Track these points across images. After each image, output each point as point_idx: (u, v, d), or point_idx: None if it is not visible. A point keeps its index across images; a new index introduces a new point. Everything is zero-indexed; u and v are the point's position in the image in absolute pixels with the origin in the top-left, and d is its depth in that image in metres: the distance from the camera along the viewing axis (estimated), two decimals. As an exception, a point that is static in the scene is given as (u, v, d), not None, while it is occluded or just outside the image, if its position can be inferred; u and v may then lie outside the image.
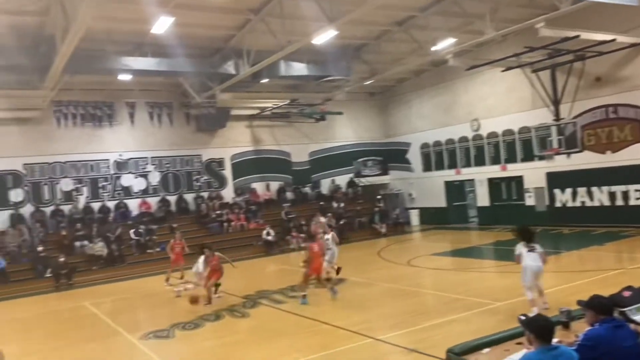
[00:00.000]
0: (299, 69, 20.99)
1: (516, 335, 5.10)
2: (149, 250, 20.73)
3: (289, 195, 26.24)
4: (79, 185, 22.09)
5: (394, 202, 27.94)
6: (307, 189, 27.12)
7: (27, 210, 20.91)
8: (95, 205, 22.12)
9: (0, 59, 16.53)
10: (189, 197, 24.24)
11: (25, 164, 21.08)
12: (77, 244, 20.05)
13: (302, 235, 22.70)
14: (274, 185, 26.44)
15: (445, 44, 18.98)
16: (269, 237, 21.97)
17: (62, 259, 18.03)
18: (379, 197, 27.06)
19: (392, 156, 29.21)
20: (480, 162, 24.73)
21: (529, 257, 9.03)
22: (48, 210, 21.34)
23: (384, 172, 29.39)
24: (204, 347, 9.43)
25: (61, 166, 21.75)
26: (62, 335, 11.30)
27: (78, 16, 12.22)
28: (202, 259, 13.26)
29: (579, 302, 4.69)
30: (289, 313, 11.22)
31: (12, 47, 16.56)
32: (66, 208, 21.59)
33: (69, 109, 21.58)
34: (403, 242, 22.92)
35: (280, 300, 12.44)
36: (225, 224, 22.88)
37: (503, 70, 20.48)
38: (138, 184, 23.30)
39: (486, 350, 5.18)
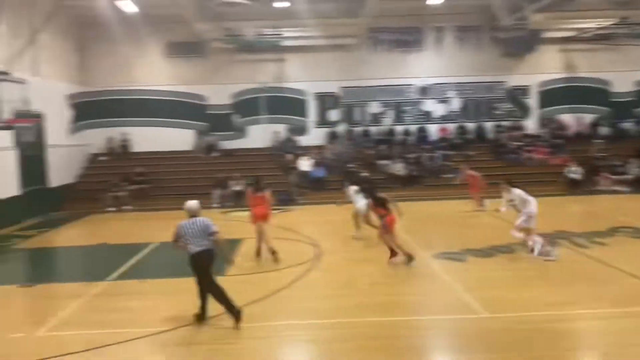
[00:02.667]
0: (635, -20, 17.63)
1: None
2: (443, 175, 21.21)
3: (604, 130, 23.13)
4: (385, 109, 23.72)
5: None
6: (629, 125, 23.41)
7: (341, 129, 23.56)
8: (398, 128, 23.51)
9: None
10: (488, 125, 23.62)
11: (341, 87, 23.52)
12: (380, 162, 21.78)
13: (613, 176, 20.09)
14: (586, 118, 23.63)
15: None
16: (574, 175, 20.03)
17: (364, 174, 19.95)
18: None
19: None
20: None
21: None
22: (358, 130, 23.60)
23: None
24: (493, 276, 9.33)
25: (371, 90, 23.57)
26: (361, 241, 12.55)
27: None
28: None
29: None
30: (591, 259, 10.19)
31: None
32: (373, 129, 23.53)
33: (382, 35, 22.86)
34: None
35: (582, 245, 11.37)
36: (525, 156, 21.66)
37: None
38: (439, 110, 23.75)
39: None
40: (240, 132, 23.51)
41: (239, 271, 9.75)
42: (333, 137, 23.18)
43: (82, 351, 6.35)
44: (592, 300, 7.82)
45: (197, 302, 7.20)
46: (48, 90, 19.04)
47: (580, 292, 8.21)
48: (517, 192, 10.72)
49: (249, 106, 23.31)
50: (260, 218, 10.73)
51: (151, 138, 22.75)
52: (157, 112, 23.15)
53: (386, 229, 10.20)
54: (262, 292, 8.48)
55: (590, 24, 21.66)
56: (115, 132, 22.95)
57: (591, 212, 15.71)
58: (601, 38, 22.42)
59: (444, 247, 11.36)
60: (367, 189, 11.68)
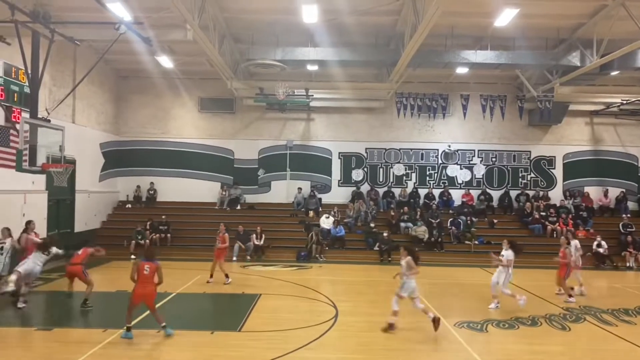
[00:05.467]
0: (662, 59, 17.87)
1: None
2: (466, 242, 20.99)
3: (632, 204, 22.81)
4: (409, 171, 23.90)
5: None
6: (657, 200, 23.12)
7: (364, 188, 23.71)
8: (422, 192, 23.56)
9: (356, 54, 18.90)
10: (513, 193, 23.53)
11: (366, 148, 23.88)
12: (402, 224, 21.70)
13: (641, 253, 19.64)
14: (614, 192, 23.38)
15: None
16: (600, 249, 19.62)
17: (385, 235, 19.92)
18: None
19: None
20: None
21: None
22: (381, 190, 23.71)
23: None
24: (514, 349, 9.07)
25: (395, 152, 23.86)
26: (381, 304, 12.43)
27: (427, 13, 13.00)
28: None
29: None
30: (619, 338, 9.86)
31: (370, 44, 18.76)
32: (396, 191, 23.61)
33: (408, 100, 23.35)
34: None
35: (608, 321, 11.03)
36: (550, 227, 21.38)
37: None
38: (463, 175, 23.85)
39: None
40: (264, 186, 23.83)
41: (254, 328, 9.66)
42: (356, 196, 23.31)
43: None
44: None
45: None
46: (82, 137, 19.75)
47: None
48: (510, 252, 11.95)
49: (274, 162, 23.74)
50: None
51: (178, 188, 23.28)
52: (185, 163, 23.72)
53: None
54: (277, 352, 8.36)
55: (617, 98, 21.82)
56: (143, 181, 23.48)
57: (619, 289, 15.28)
58: (628, 113, 22.51)
59: (464, 316, 11.12)
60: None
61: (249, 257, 19.48)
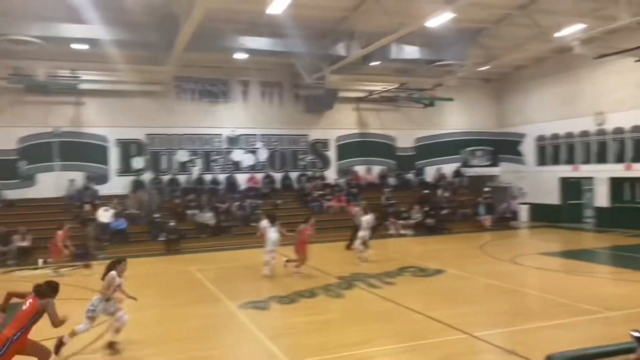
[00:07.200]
0: (411, 52, 20.58)
1: (625, 351, 4.61)
2: (252, 224, 21.54)
3: (391, 180, 26.01)
4: (193, 157, 23.51)
5: (502, 196, 26.62)
6: (411, 176, 26.69)
7: (146, 177, 22.63)
8: (207, 177, 23.41)
9: (133, 35, 17.78)
10: (293, 175, 24.87)
11: (147, 134, 22.76)
12: (189, 212, 21.34)
13: (400, 221, 22.51)
14: (377, 170, 26.32)
15: (571, 30, 17.62)
16: (368, 221, 21.93)
17: (172, 224, 19.42)
18: (486, 189, 25.96)
19: (503, 147, 27.86)
20: (602, 159, 22.84)
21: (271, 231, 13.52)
22: (165, 178, 22.91)
23: (494, 164, 28.09)
24: (296, 322, 9.65)
25: (178, 138, 23.22)
26: (170, 295, 12.16)
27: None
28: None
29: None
30: (383, 299, 11.17)
31: (143, 24, 17.78)
32: (181, 178, 23.06)
33: (188, 84, 22.88)
34: (508, 238, 21.86)
35: (375, 285, 12.43)
36: (326, 204, 23.19)
37: (637, 60, 18.63)
38: (247, 160, 24.32)
39: (591, 363, 4.78)
40: (28, 180, 21.06)
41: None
42: (137, 186, 22.11)
43: None
44: (385, 337, 8.53)
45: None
46: None
47: (374, 331, 8.88)
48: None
49: (39, 152, 21.10)
50: None
51: None
52: None
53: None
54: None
55: (377, 86, 24.49)
56: None
57: (382, 254, 17.26)
58: (387, 100, 25.47)
59: (250, 296, 11.43)
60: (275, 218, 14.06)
61: (11, 262, 17.10)
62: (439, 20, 15.02)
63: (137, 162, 22.68)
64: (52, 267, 15.66)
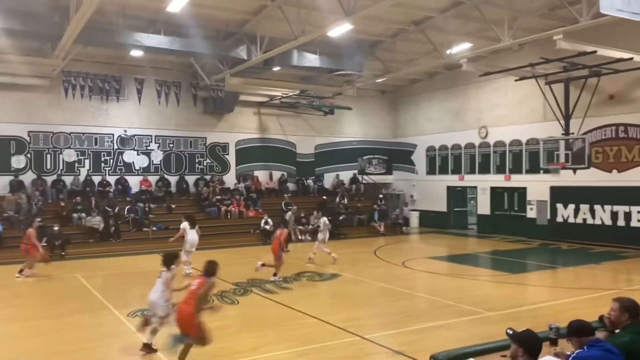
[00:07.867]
0: (312, 60, 20.88)
1: (502, 348, 4.99)
2: (145, 229, 20.68)
3: (291, 186, 26.18)
4: (81, 157, 22.09)
5: (395, 203, 27.86)
6: (310, 182, 27.02)
7: (27, 177, 20.91)
8: (96, 179, 22.08)
9: (15, 23, 16.37)
10: (190, 179, 24.18)
11: (30, 131, 21.07)
12: (75, 215, 20.02)
13: (300, 227, 22.70)
14: (277, 175, 26.36)
15: (460, 48, 18.87)
16: (267, 227, 21.87)
17: (56, 229, 18.11)
18: (380, 196, 26.97)
19: (397, 156, 29.13)
20: (485, 169, 24.60)
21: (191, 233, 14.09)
22: (49, 179, 21.31)
23: (388, 172, 29.32)
24: (190, 330, 9.34)
25: (65, 136, 21.73)
26: (51, 305, 11.28)
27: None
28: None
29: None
30: (278, 304, 11.16)
31: (27, 12, 16.46)
32: (67, 179, 21.57)
33: (78, 80, 21.50)
34: (400, 242, 22.85)
35: (271, 290, 12.40)
36: (224, 209, 22.80)
37: (517, 80, 20.34)
38: (140, 161, 23.27)
39: (470, 360, 5.09)
40: None
41: None
42: (16, 186, 20.34)
43: None
44: (279, 342, 8.50)
45: None
46: None
47: (269, 337, 8.84)
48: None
49: None
50: None
51: None
52: None
53: None
54: None
55: (278, 92, 24.53)
56: None
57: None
58: (287, 106, 25.62)
59: (139, 304, 10.88)
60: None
61: None
62: (338, 30, 15.40)
63: (18, 161, 20.89)
64: None
